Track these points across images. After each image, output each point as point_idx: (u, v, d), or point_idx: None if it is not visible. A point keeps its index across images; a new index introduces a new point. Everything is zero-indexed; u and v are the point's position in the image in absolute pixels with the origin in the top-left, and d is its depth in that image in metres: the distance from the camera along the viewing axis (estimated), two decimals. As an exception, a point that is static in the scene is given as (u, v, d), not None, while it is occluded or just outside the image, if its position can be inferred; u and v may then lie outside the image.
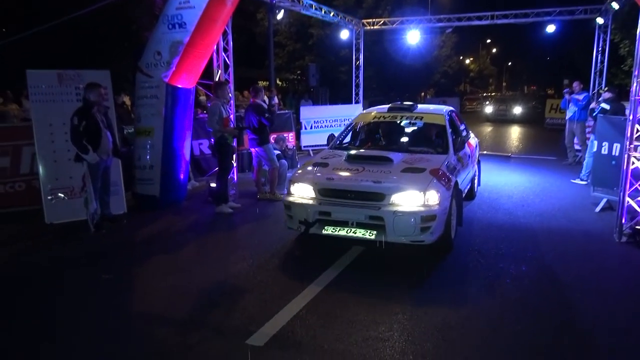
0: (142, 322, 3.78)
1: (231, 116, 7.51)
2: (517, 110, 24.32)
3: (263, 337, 3.49)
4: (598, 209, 6.87)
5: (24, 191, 7.05)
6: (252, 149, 7.82)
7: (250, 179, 8.71)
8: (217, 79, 7.86)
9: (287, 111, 12.83)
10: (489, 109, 26.45)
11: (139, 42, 12.49)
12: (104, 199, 6.30)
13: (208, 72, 7.97)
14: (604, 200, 6.87)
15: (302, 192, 5.07)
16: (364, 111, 7.05)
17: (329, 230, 4.79)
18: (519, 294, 4.25)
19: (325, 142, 6.61)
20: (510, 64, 54.86)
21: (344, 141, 6.50)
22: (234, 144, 7.26)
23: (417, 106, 6.47)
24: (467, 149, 6.47)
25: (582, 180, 8.70)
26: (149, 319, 3.83)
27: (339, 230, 4.75)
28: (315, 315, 3.85)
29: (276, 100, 8.68)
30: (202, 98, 11.26)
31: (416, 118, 6.20)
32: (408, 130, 6.39)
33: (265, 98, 8.53)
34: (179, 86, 7.15)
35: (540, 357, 3.29)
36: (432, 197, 4.64)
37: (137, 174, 7.31)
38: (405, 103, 6.58)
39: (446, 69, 34.31)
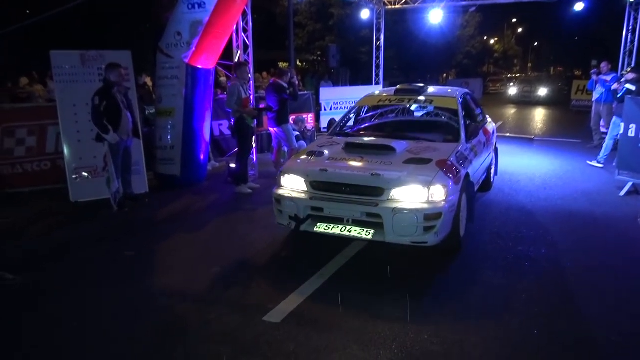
0: (163, 298, 3.88)
1: (251, 97, 7.50)
2: (542, 91, 23.80)
3: (280, 314, 3.56)
4: (623, 192, 6.72)
5: (50, 170, 7.24)
6: (271, 129, 7.84)
7: (269, 160, 8.76)
8: (236, 60, 7.86)
9: (306, 92, 12.78)
10: (512, 90, 25.95)
11: (160, 22, 12.55)
12: (126, 178, 6.42)
13: (228, 53, 7.98)
14: (630, 183, 6.71)
15: (293, 185, 4.62)
16: (369, 93, 6.55)
17: (321, 228, 4.36)
18: (536, 277, 4.22)
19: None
20: (536, 44, 53.35)
21: (345, 127, 6.02)
22: (254, 124, 7.27)
23: (427, 88, 6.00)
24: (482, 136, 5.94)
25: (598, 162, 8.52)
26: (169, 295, 3.93)
27: (333, 228, 4.32)
28: (333, 293, 3.89)
29: (296, 80, 8.65)
30: (223, 79, 11.30)
31: (425, 102, 5.70)
32: (416, 115, 5.96)
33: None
34: (199, 67, 7.18)
35: (556, 339, 3.27)
36: (438, 193, 4.16)
37: (158, 154, 7.43)
38: (414, 85, 6.21)
39: (469, 50, 33.64)
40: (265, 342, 3.21)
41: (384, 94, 6.19)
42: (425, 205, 4.10)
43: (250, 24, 8.02)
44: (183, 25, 7.02)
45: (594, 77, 10.30)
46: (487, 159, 6.26)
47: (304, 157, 4.94)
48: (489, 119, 7.14)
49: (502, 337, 3.28)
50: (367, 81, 15.40)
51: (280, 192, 4.64)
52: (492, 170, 6.96)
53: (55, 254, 4.89)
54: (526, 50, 56.65)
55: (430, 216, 4.06)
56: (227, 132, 9.63)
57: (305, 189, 4.53)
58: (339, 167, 4.53)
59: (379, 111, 6.15)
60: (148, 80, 11.30)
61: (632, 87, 7.90)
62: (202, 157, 7.59)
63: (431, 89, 6.06)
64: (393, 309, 3.62)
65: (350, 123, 6.16)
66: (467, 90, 6.63)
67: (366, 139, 5.44)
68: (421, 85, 6.11)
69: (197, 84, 7.23)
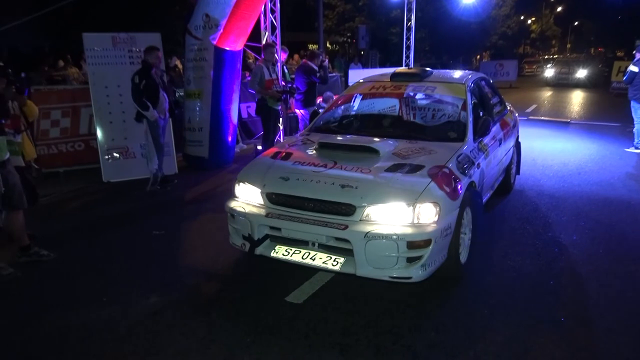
0: (189, 276, 3.97)
1: (275, 79, 7.33)
2: (581, 73, 22.87)
3: (302, 295, 3.59)
4: (662, 179, 6.46)
5: (83, 150, 7.45)
6: (298, 111, 7.83)
7: (296, 142, 8.76)
8: (264, 41, 7.85)
9: (334, 74, 12.69)
10: (549, 72, 25.02)
11: (189, 4, 12.65)
12: (158, 158, 6.56)
13: (256, 35, 7.97)
14: (670, 169, 6.45)
15: (247, 196, 3.75)
16: (363, 78, 5.42)
17: (279, 252, 3.51)
18: (565, 264, 4.11)
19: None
20: (576, 24, 51.21)
21: (330, 120, 5.00)
22: (279, 107, 7.24)
23: (430, 72, 5.02)
24: (497, 132, 4.92)
25: (636, 148, 8.25)
26: (195, 274, 4.02)
27: (294, 253, 3.46)
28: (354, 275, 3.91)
29: (327, 63, 8.63)
30: (250, 61, 11.33)
31: (426, 89, 4.74)
32: (414, 106, 4.93)
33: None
34: (227, 48, 7.20)
35: (585, 327, 3.20)
36: (427, 212, 3.22)
37: (187, 136, 7.55)
38: (414, 68, 5.34)
39: (505, 30, 32.65)
40: (286, 322, 3.25)
41: (379, 80, 5.14)
42: (409, 230, 3.16)
43: (278, 4, 7.99)
44: (211, 6, 7.03)
45: (638, 55, 9.86)
46: (504, 158, 5.27)
47: (264, 160, 4.02)
48: (510, 108, 6.19)
49: (527, 324, 3.22)
50: (397, 63, 15.16)
51: (233, 204, 3.79)
52: (513, 170, 6.01)
53: (87, 232, 5.05)
54: (565, 30, 54.43)
55: (415, 244, 3.14)
56: (255, 114, 9.66)
57: (262, 202, 3.65)
58: (303, 176, 3.58)
59: (371, 100, 5.11)
60: (178, 63, 11.45)
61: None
62: (229, 139, 7.66)
63: (437, 73, 5.15)
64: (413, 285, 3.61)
65: (336, 116, 5.11)
66: (482, 75, 5.68)
67: (347, 137, 4.45)
68: (424, 69, 5.23)
69: (225, 66, 7.26)
